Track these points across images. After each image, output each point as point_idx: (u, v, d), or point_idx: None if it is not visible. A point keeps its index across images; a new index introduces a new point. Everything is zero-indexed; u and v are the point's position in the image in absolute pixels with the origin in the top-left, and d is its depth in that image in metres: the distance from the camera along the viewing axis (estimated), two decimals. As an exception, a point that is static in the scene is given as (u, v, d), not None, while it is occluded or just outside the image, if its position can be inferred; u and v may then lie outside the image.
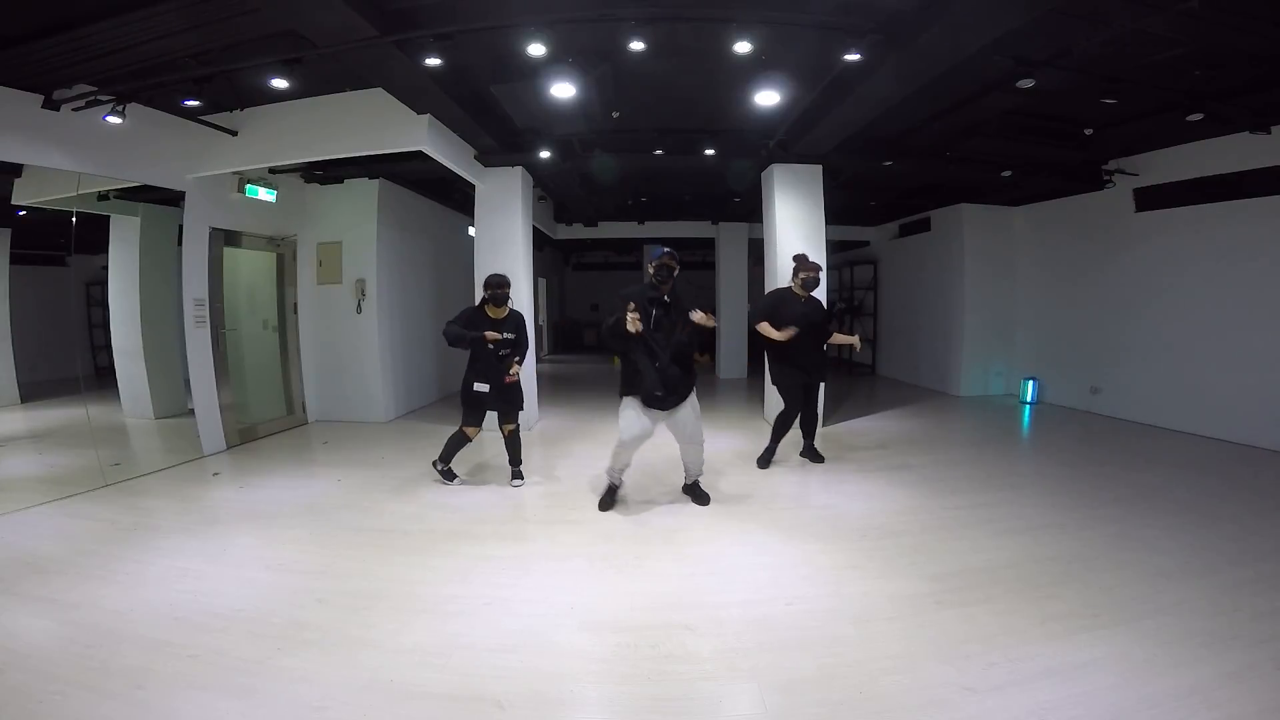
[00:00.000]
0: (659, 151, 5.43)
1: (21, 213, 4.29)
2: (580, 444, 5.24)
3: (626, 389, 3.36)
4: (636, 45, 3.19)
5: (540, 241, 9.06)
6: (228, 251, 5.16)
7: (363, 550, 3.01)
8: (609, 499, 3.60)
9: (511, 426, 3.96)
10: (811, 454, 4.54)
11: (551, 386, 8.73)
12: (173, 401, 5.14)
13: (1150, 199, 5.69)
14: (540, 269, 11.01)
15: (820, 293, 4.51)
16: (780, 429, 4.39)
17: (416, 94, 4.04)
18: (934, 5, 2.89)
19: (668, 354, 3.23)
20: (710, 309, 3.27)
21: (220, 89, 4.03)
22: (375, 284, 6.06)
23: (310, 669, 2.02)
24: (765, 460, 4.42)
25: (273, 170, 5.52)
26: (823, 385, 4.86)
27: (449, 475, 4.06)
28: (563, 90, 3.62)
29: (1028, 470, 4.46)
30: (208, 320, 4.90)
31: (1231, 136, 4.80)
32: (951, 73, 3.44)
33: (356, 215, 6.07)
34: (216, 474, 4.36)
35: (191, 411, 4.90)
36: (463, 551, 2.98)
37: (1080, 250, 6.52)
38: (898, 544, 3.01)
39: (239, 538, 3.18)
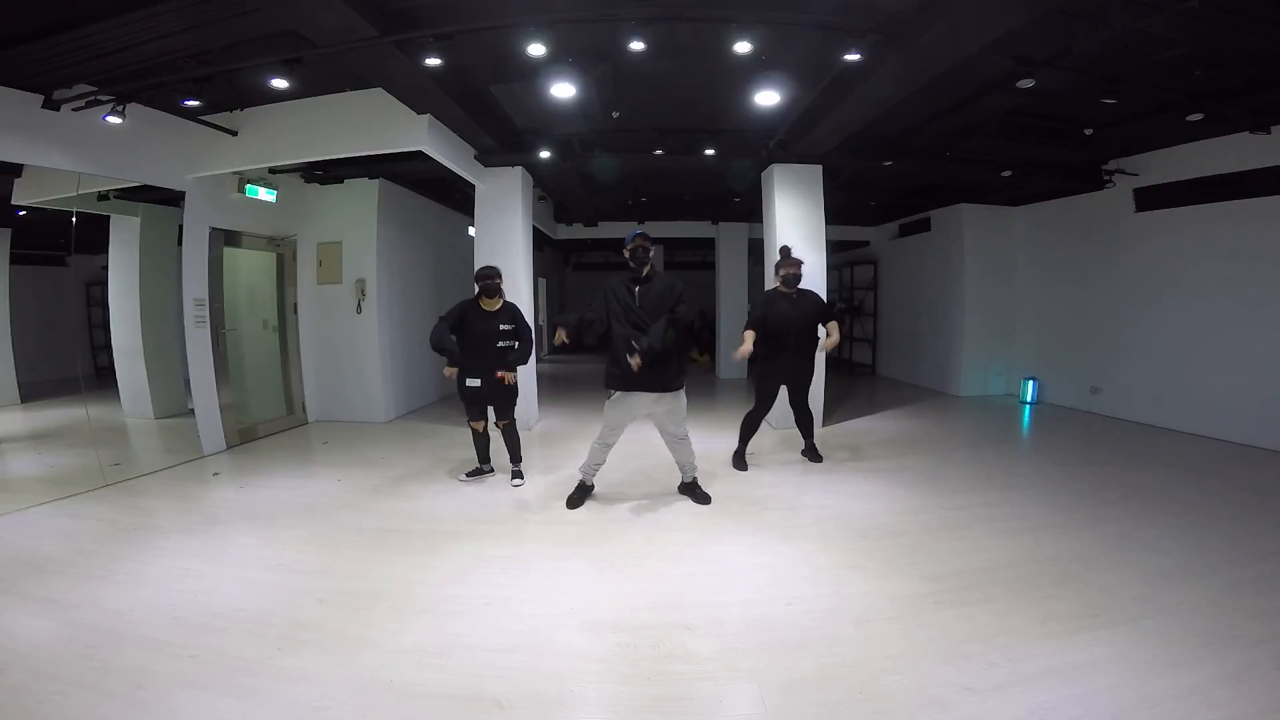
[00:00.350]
0: (659, 151, 5.43)
1: (21, 213, 4.29)
2: (580, 443, 5.21)
3: (609, 376, 3.36)
4: (636, 45, 3.18)
5: (540, 241, 9.06)
6: (228, 251, 5.15)
7: (363, 550, 3.01)
8: (578, 497, 3.61)
9: (505, 421, 3.98)
10: (811, 454, 4.54)
11: (551, 386, 8.72)
12: (173, 401, 5.14)
13: (1150, 199, 5.69)
14: (540, 269, 11.01)
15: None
16: (746, 428, 4.39)
17: (416, 94, 4.04)
18: (934, 5, 2.89)
19: (657, 328, 3.19)
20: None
21: (220, 89, 4.03)
22: (375, 284, 6.06)
23: (310, 669, 2.02)
24: (738, 460, 4.40)
25: (273, 170, 5.52)
26: (815, 385, 4.83)
27: (479, 472, 4.22)
28: (563, 90, 3.62)
29: (1028, 470, 4.45)
30: (208, 320, 4.90)
31: (1231, 136, 4.80)
32: (951, 73, 3.44)
33: (356, 215, 6.07)
34: (216, 474, 4.37)
35: (191, 411, 4.90)
36: (463, 551, 2.98)
37: (1080, 250, 6.51)
38: (898, 544, 3.01)
39: (239, 538, 3.18)
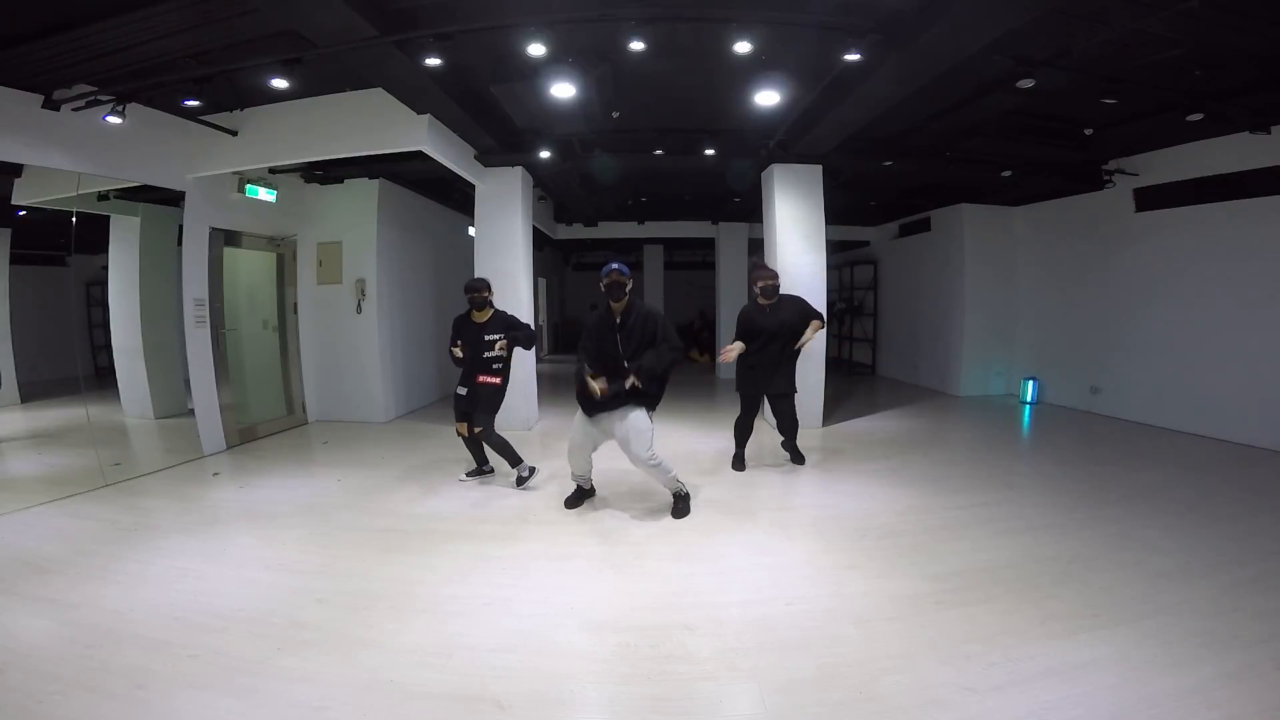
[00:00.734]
0: (659, 151, 5.43)
1: (21, 213, 4.29)
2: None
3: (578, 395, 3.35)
4: (636, 45, 3.18)
5: (540, 241, 9.05)
6: (228, 251, 5.16)
7: (363, 550, 3.01)
8: (576, 498, 3.64)
9: (480, 428, 3.93)
10: (791, 452, 4.50)
11: (551, 386, 8.71)
12: (173, 401, 5.14)
13: (1150, 199, 5.69)
14: (540, 269, 11.00)
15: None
16: (738, 432, 4.44)
17: (416, 94, 4.04)
18: (934, 5, 2.90)
19: (653, 359, 3.18)
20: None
21: (220, 89, 4.03)
22: (375, 284, 6.06)
23: (310, 669, 2.02)
24: (736, 462, 4.43)
25: (273, 170, 5.52)
26: (815, 386, 4.80)
27: (478, 472, 4.24)
28: (562, 90, 3.62)
29: (1028, 470, 4.46)
30: (208, 320, 4.90)
31: (1231, 136, 4.80)
32: (951, 73, 3.44)
33: (356, 215, 6.07)
34: (216, 474, 4.36)
35: (191, 411, 4.90)
36: (463, 551, 2.98)
37: (1080, 250, 6.52)
38: (898, 544, 3.01)
39: (239, 538, 3.18)
